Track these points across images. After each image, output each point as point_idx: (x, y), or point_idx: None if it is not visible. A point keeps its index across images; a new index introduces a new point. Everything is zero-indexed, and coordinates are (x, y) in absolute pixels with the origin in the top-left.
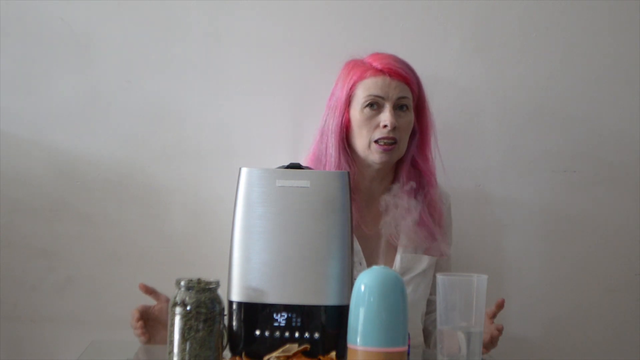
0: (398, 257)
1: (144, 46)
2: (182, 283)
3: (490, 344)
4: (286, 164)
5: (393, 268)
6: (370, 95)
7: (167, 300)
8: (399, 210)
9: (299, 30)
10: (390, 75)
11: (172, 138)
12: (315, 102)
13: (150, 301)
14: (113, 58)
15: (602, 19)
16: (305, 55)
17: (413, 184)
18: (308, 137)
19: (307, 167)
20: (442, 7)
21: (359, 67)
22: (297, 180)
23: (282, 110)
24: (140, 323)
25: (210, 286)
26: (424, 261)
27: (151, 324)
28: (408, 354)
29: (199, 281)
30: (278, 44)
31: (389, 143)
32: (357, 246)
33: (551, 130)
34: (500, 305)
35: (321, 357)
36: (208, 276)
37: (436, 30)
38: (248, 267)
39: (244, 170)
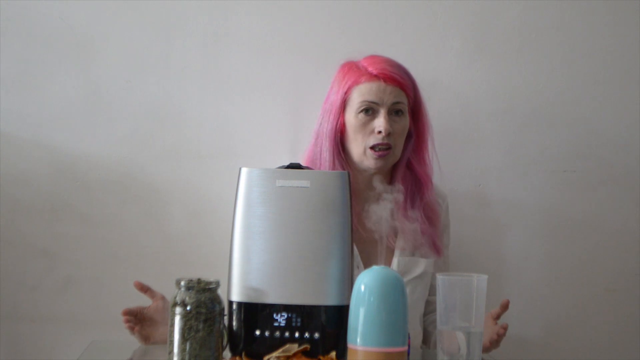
0: (395, 261)
1: (144, 46)
2: (182, 283)
3: (495, 342)
4: (286, 164)
5: None
6: (365, 101)
7: (163, 298)
8: (394, 208)
9: (299, 31)
10: (385, 81)
11: (172, 138)
12: (315, 102)
13: (147, 300)
14: (113, 58)
15: (602, 19)
16: (305, 56)
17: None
18: (308, 137)
19: (307, 167)
20: (442, 8)
21: (354, 72)
22: (297, 180)
23: (282, 111)
24: (126, 317)
25: (210, 286)
26: (421, 264)
27: (147, 323)
28: (408, 354)
29: (199, 281)
30: (278, 44)
31: (383, 149)
32: (354, 250)
33: (551, 130)
34: (505, 306)
35: (321, 357)
36: (208, 276)
37: (436, 31)
38: (248, 267)
39: (244, 170)
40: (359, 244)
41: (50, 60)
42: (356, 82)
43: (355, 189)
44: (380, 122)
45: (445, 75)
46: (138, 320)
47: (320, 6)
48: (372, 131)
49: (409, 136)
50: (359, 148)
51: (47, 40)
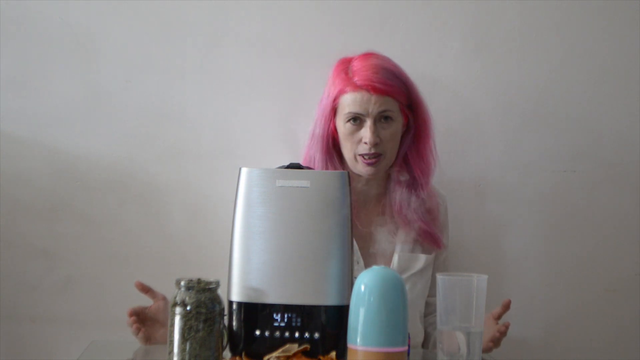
0: (395, 257)
1: (144, 46)
2: (182, 283)
3: (497, 341)
4: (286, 164)
5: (390, 267)
6: (350, 112)
7: (164, 298)
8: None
9: (299, 31)
10: (368, 91)
11: (172, 138)
12: (315, 102)
13: (147, 300)
14: (113, 58)
15: (602, 19)
16: (305, 56)
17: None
18: (307, 138)
19: (307, 167)
20: (442, 7)
21: (341, 79)
22: (297, 180)
23: (282, 111)
24: (133, 318)
25: (210, 286)
26: (421, 260)
27: (149, 323)
28: (408, 354)
29: (199, 281)
30: (278, 44)
31: (372, 157)
32: (354, 245)
33: (551, 130)
34: (506, 306)
35: (321, 357)
36: (208, 276)
37: (436, 30)
38: (248, 267)
39: (244, 170)
40: (359, 240)
41: (50, 60)
42: (342, 92)
43: (355, 186)
44: (366, 134)
45: (445, 75)
46: (140, 320)
47: (320, 6)
48: (360, 140)
49: (407, 130)
50: (350, 154)
51: (47, 40)
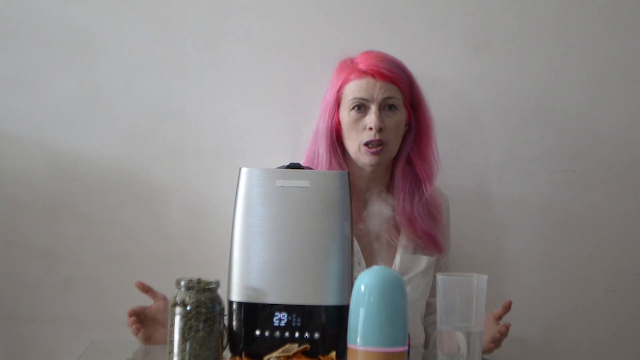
0: (398, 258)
1: (144, 46)
2: (182, 283)
3: (498, 341)
4: (286, 164)
5: (392, 268)
6: (355, 98)
7: (164, 298)
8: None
9: (299, 31)
10: (374, 76)
11: (172, 138)
12: (315, 102)
13: (147, 300)
14: (113, 58)
15: (602, 19)
16: (305, 56)
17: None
18: (308, 137)
19: (307, 167)
20: (442, 7)
21: (345, 69)
22: (297, 180)
23: (282, 110)
24: (133, 319)
25: (210, 286)
26: (423, 262)
27: (149, 323)
28: (408, 354)
29: (199, 281)
30: (278, 44)
31: (376, 145)
32: (355, 246)
33: (551, 130)
34: (507, 307)
35: (321, 357)
36: (208, 276)
37: (436, 30)
38: (248, 267)
39: (244, 170)
40: (361, 240)
41: (50, 60)
42: (347, 80)
43: (355, 185)
44: (371, 119)
45: (445, 74)
46: (140, 320)
47: (320, 6)
48: (365, 128)
49: (409, 130)
50: (354, 145)
51: (47, 40)
